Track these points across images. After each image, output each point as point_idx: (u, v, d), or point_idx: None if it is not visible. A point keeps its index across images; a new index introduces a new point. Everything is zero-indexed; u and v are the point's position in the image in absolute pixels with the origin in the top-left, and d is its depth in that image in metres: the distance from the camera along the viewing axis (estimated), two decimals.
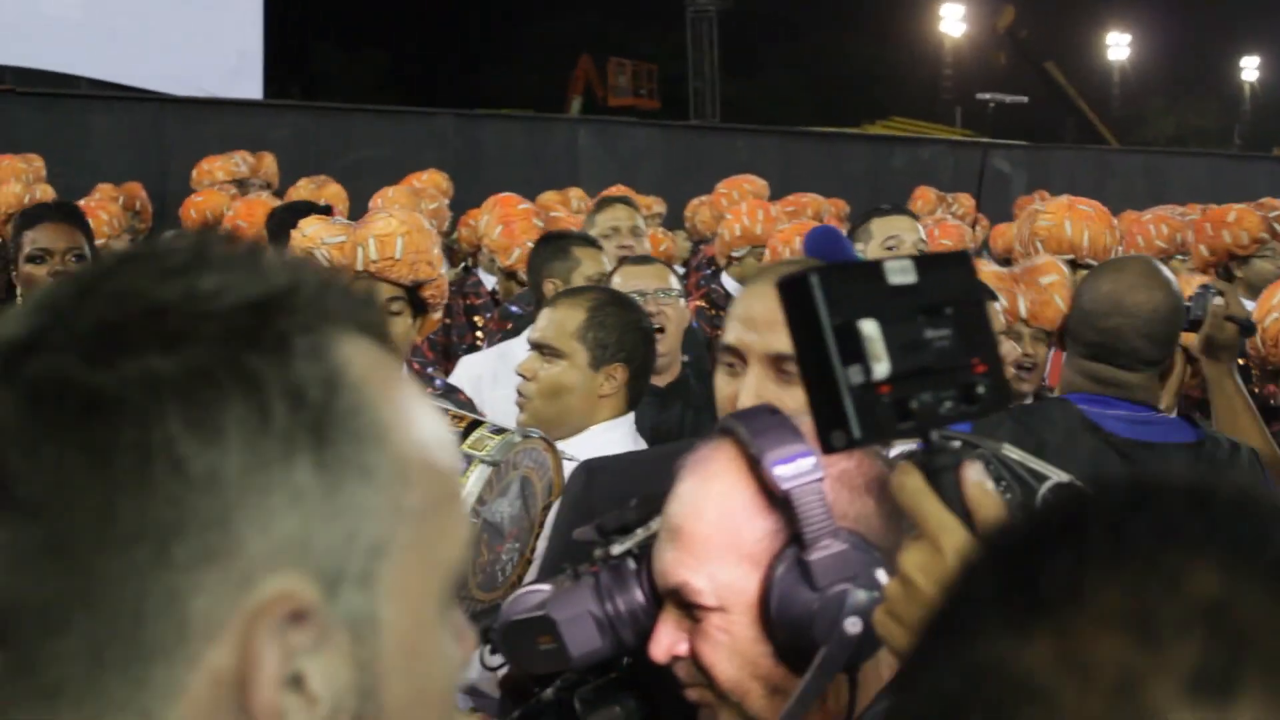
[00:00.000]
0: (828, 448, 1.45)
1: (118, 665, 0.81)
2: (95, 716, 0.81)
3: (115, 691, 0.81)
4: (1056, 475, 1.79)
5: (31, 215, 5.28)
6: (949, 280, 1.53)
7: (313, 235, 4.43)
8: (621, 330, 4.09)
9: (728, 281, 7.70)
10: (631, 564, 1.95)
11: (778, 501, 1.76)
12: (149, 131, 15.13)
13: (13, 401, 0.82)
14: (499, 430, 3.54)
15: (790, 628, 1.75)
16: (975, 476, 1.50)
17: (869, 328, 1.43)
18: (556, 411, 3.99)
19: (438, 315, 4.68)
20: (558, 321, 4.08)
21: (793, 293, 1.46)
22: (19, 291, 4.99)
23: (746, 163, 12.97)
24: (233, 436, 0.81)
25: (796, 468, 1.75)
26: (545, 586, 2.01)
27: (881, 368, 1.43)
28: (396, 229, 4.42)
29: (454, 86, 30.62)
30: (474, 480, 3.77)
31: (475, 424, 3.86)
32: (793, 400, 2.72)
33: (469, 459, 3.83)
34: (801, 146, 19.26)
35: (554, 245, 5.98)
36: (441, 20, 40.10)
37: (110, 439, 0.80)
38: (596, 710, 1.98)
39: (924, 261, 1.52)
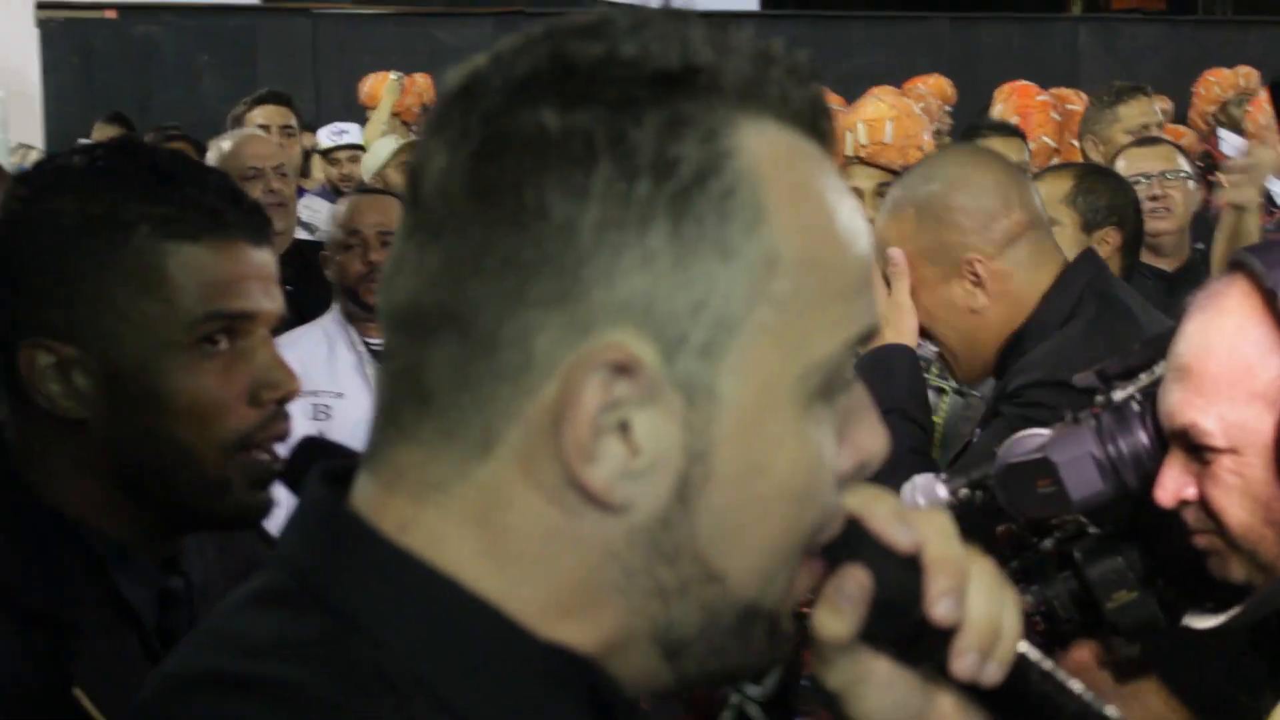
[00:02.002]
0: None
1: (473, 381, 0.91)
2: (451, 424, 0.92)
3: (468, 404, 0.91)
4: None
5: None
6: None
7: None
8: (1112, 195, 4.06)
9: None
10: (1135, 406, 1.88)
11: None
12: None
13: (442, 142, 0.93)
14: None
15: None
16: None
17: None
18: None
19: None
20: (1043, 191, 4.02)
21: None
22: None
23: (1258, 58, 12.24)
24: (595, 195, 0.88)
25: None
26: (1045, 430, 1.97)
27: None
28: (886, 113, 4.43)
29: None
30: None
31: None
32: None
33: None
34: None
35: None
36: None
37: (496, 179, 0.90)
38: (1098, 561, 1.92)
39: None
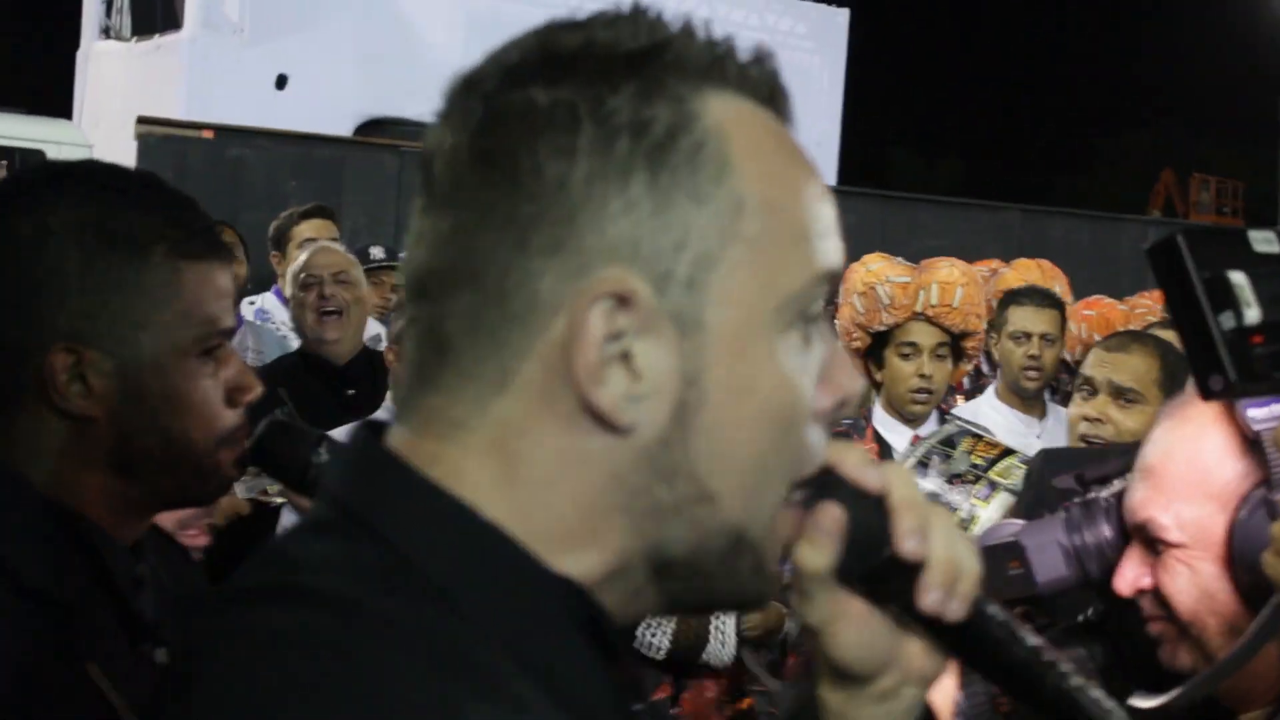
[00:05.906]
0: (1206, 393, 1.54)
1: (488, 327, 1.04)
2: (470, 367, 1.05)
3: (484, 348, 1.04)
4: None
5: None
6: None
7: (878, 271, 4.68)
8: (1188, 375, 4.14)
9: None
10: (1103, 503, 2.02)
11: (1250, 445, 1.80)
12: None
13: (448, 126, 1.07)
14: (1029, 461, 3.63)
15: (1253, 568, 1.76)
16: None
17: (1237, 277, 1.51)
18: None
19: (970, 365, 4.86)
20: (1136, 367, 4.15)
21: (1162, 254, 1.56)
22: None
23: None
24: (581, 155, 1.02)
25: (1270, 411, 1.78)
26: (1020, 520, 2.10)
27: (1252, 313, 1.50)
28: (959, 279, 4.61)
29: (1027, 191, 30.43)
30: (994, 507, 3.88)
31: (1007, 452, 3.97)
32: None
33: (993, 485, 3.95)
34: None
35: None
36: (1021, 129, 39.96)
37: (494, 148, 1.04)
38: (1061, 650, 2.04)
39: None
